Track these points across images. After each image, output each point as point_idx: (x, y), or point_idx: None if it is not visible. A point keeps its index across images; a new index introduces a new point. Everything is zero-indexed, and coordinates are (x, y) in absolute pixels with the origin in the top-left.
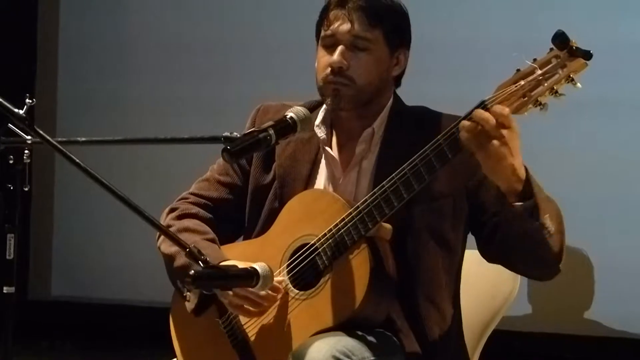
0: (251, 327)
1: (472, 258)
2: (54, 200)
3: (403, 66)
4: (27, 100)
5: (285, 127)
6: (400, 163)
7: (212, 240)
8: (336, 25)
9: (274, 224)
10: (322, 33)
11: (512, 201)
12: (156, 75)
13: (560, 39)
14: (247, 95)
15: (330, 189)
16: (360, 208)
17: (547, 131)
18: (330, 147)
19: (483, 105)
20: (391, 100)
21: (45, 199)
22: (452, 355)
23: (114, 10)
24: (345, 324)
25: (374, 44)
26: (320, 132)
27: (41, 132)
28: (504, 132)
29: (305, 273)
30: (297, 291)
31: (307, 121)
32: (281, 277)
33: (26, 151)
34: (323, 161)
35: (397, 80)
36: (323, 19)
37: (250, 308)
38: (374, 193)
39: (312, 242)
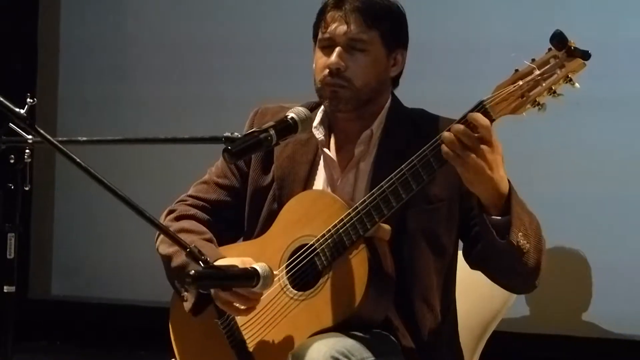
0: (250, 327)
1: None
2: (55, 200)
3: (401, 67)
4: (28, 100)
5: (286, 128)
6: (397, 165)
7: (209, 240)
8: (333, 27)
9: (273, 224)
10: (320, 35)
11: (492, 214)
12: (157, 75)
13: (559, 39)
14: (248, 95)
15: (329, 190)
16: (359, 209)
17: (545, 131)
18: (329, 149)
19: (481, 105)
20: (389, 101)
21: (45, 198)
22: (446, 356)
23: (114, 10)
24: (344, 324)
25: (371, 45)
26: (319, 134)
27: (42, 131)
28: (483, 146)
29: (304, 273)
30: (296, 292)
31: (308, 121)
32: (277, 272)
33: (27, 150)
34: (321, 162)
35: (395, 81)
36: (320, 20)
37: (240, 306)
38: (373, 194)
39: (311, 242)
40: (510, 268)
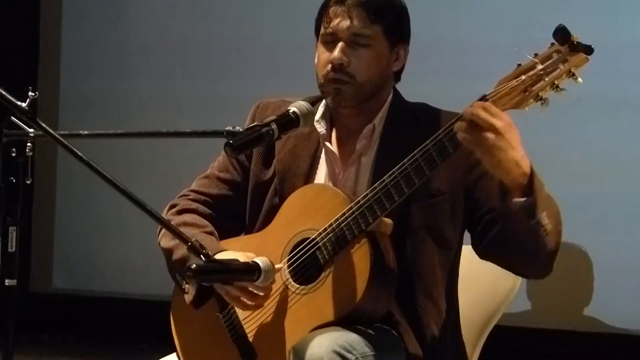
0: (251, 321)
1: (473, 256)
2: (56, 194)
3: (403, 61)
4: (30, 94)
5: (288, 122)
6: (399, 159)
7: (210, 233)
8: (336, 22)
9: (275, 218)
10: (322, 30)
11: (516, 196)
12: (157, 73)
13: (562, 34)
14: (248, 94)
15: (330, 184)
16: (360, 202)
17: (547, 129)
18: (330, 142)
19: (484, 99)
20: (391, 95)
21: (47, 192)
22: (449, 351)
23: (115, 10)
24: (346, 319)
25: (374, 40)
26: (320, 128)
27: (44, 125)
28: (497, 124)
29: (306, 267)
30: (297, 286)
31: (310, 115)
32: (281, 265)
33: (28, 144)
34: (323, 156)
35: (397, 75)
36: (322, 15)
37: (247, 301)
38: (375, 187)
39: (313, 236)
40: (531, 251)
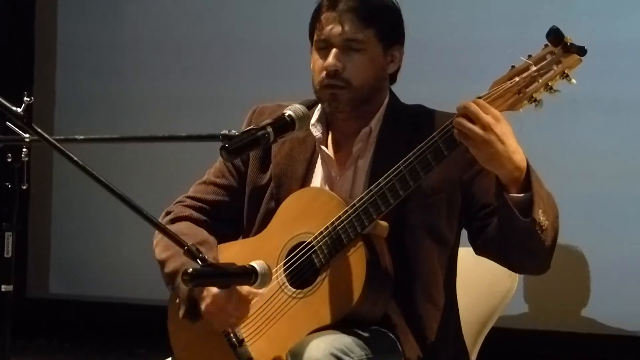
0: (248, 326)
1: (470, 256)
2: (52, 199)
3: (398, 63)
4: (25, 99)
5: (284, 125)
6: (395, 161)
7: (201, 243)
8: (328, 28)
9: (271, 222)
10: (315, 36)
11: (512, 191)
12: (154, 75)
13: (555, 35)
14: (246, 95)
15: (327, 188)
16: (356, 206)
17: (543, 129)
18: (326, 146)
19: None
20: (387, 97)
21: (43, 197)
22: (451, 351)
23: (111, 10)
24: (342, 322)
25: (367, 44)
26: (316, 131)
27: (39, 130)
28: (483, 116)
29: (302, 271)
30: (294, 289)
31: (306, 119)
32: (275, 269)
33: (24, 149)
34: (319, 160)
35: (393, 77)
36: (315, 21)
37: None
38: (370, 190)
39: (309, 240)
40: (527, 247)
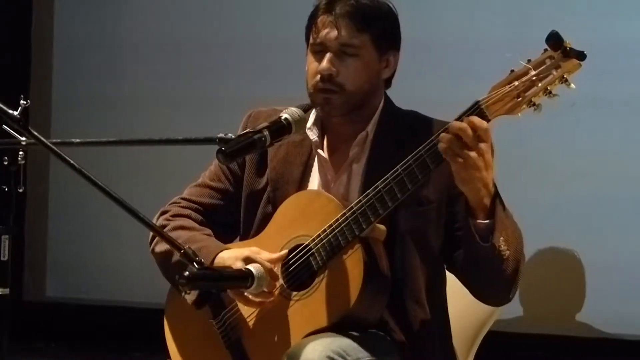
0: (245, 327)
1: None
2: (49, 202)
3: (393, 68)
4: (22, 102)
5: (280, 128)
6: (390, 166)
7: (209, 235)
8: (324, 32)
9: (269, 224)
10: (311, 39)
11: (478, 217)
12: (151, 76)
13: (554, 40)
14: (245, 95)
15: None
16: (354, 209)
17: (540, 131)
18: (323, 150)
19: (477, 105)
20: (382, 102)
21: (39, 200)
22: (439, 356)
23: (108, 10)
24: (339, 324)
25: (362, 49)
26: (312, 134)
27: (35, 133)
28: (482, 145)
29: (300, 273)
30: (291, 292)
31: (302, 122)
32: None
33: (21, 152)
34: (316, 164)
35: (388, 82)
36: (311, 25)
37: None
38: (368, 194)
39: (307, 242)
40: (486, 275)
